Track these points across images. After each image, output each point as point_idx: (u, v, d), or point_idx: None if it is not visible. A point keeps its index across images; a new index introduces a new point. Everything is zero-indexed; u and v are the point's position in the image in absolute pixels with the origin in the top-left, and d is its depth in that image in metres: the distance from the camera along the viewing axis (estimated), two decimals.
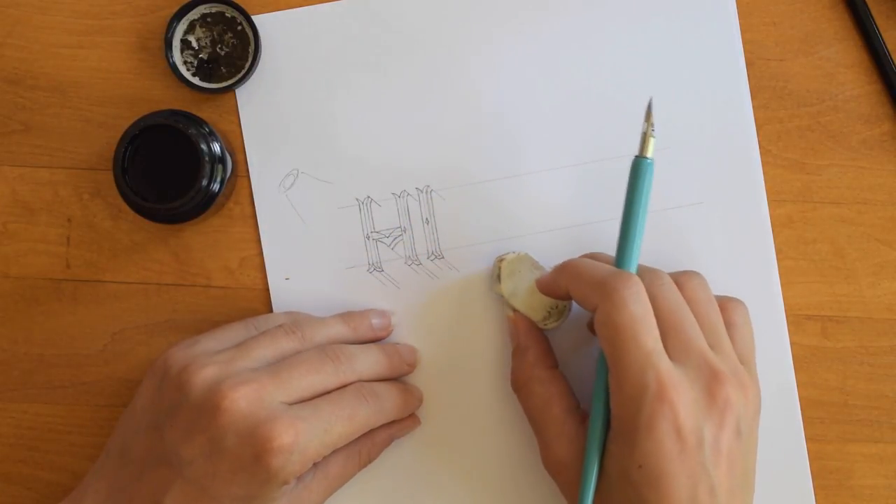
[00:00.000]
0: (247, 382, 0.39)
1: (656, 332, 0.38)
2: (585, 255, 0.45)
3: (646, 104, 0.42)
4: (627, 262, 0.41)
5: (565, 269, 0.42)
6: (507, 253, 0.46)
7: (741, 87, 0.48)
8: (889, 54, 0.48)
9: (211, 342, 0.42)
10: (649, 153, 0.41)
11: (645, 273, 0.41)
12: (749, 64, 0.48)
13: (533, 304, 0.45)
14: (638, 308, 0.38)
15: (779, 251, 0.48)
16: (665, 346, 0.38)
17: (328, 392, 0.41)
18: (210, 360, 0.40)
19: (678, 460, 0.36)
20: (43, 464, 0.47)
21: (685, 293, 0.41)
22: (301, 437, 0.38)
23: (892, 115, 0.48)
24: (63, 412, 0.47)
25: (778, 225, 0.48)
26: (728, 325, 0.41)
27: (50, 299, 0.47)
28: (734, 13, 0.48)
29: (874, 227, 0.48)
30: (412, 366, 0.47)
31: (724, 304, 0.42)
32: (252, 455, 0.38)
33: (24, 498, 0.47)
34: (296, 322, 0.44)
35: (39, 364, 0.47)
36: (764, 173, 0.48)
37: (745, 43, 0.48)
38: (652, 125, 0.41)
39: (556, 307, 0.45)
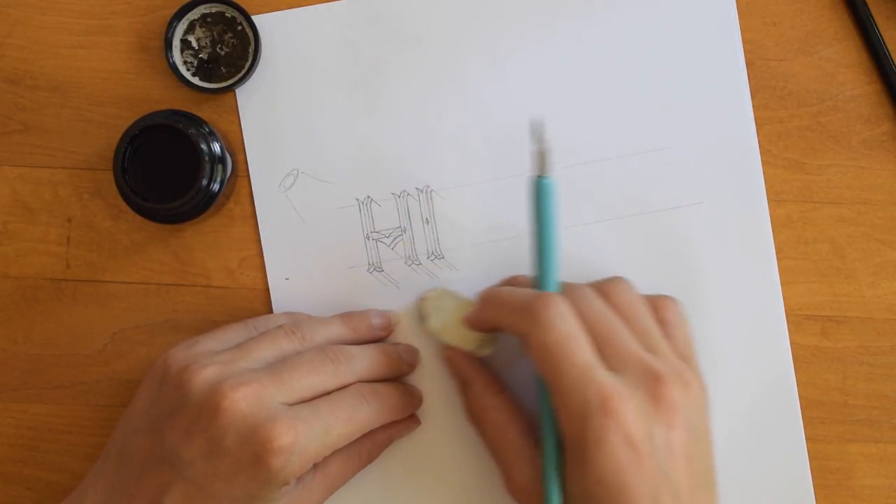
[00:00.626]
0: (247, 383, 0.39)
1: (589, 346, 0.38)
2: (504, 281, 0.45)
3: (532, 126, 0.41)
4: (546, 282, 0.41)
5: (489, 300, 0.42)
6: (429, 290, 0.46)
7: (741, 87, 0.48)
8: (889, 54, 0.48)
9: (211, 343, 0.42)
10: (548, 172, 0.40)
11: (567, 289, 0.40)
12: (749, 64, 0.48)
13: (464, 336, 0.45)
14: (566, 326, 0.38)
15: (779, 251, 0.48)
16: (601, 358, 0.38)
17: (328, 393, 0.41)
18: (210, 360, 0.40)
19: (635, 469, 0.36)
20: (43, 464, 0.47)
21: (612, 300, 0.40)
22: (301, 438, 0.38)
23: (892, 115, 0.48)
24: (63, 412, 0.47)
25: (778, 225, 0.48)
26: (662, 323, 0.41)
27: (50, 299, 0.47)
28: (734, 13, 0.48)
29: (874, 227, 0.48)
30: (412, 366, 0.47)
31: (656, 302, 0.42)
32: (252, 455, 0.38)
33: (24, 498, 0.47)
34: (296, 323, 0.44)
35: (39, 364, 0.47)
36: (764, 173, 0.48)
37: (745, 43, 0.48)
38: (545, 143, 0.40)
39: (487, 334, 0.45)
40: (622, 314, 0.40)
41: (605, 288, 0.41)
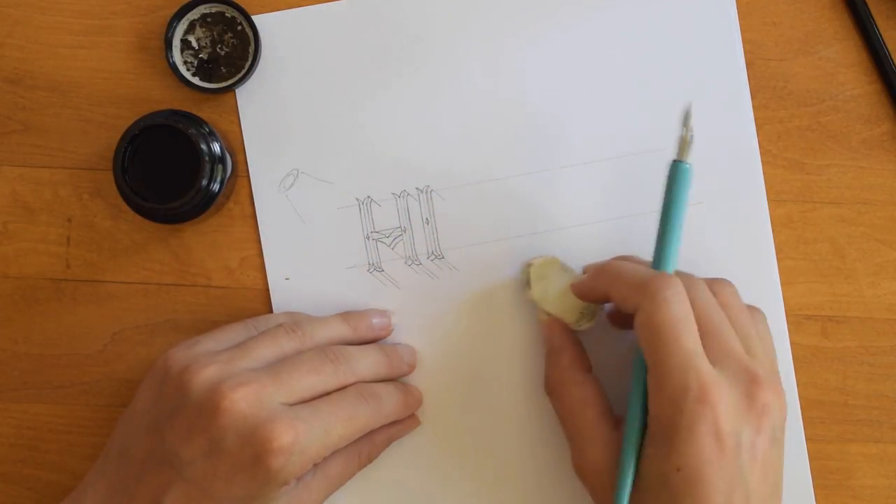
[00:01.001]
0: (247, 383, 0.39)
1: (697, 335, 0.38)
2: (618, 258, 0.45)
3: (684, 110, 0.41)
4: (666, 264, 0.41)
5: (604, 271, 0.42)
6: (535, 257, 0.46)
7: (741, 87, 0.48)
8: (889, 54, 0.48)
9: (211, 343, 0.42)
10: (688, 157, 0.41)
11: (682, 277, 0.41)
12: (749, 64, 0.48)
13: (565, 307, 0.45)
14: (680, 309, 0.38)
15: (779, 251, 0.48)
16: (704, 349, 0.38)
17: (328, 393, 0.41)
18: (210, 360, 0.40)
19: (717, 464, 0.36)
20: (43, 464, 0.47)
21: (720, 299, 0.41)
22: (301, 438, 0.38)
23: (892, 115, 0.48)
24: (63, 412, 0.47)
25: (778, 225, 0.48)
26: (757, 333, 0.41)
27: (50, 299, 0.47)
28: (734, 13, 0.48)
29: (874, 227, 0.48)
30: (412, 366, 0.47)
31: (752, 313, 0.42)
32: (252, 456, 0.38)
33: (24, 498, 0.47)
34: (296, 321, 0.44)
35: (39, 364, 0.47)
36: (764, 173, 0.48)
37: (745, 43, 0.48)
38: (691, 130, 0.41)
39: (588, 308, 0.45)
40: (728, 314, 0.40)
41: (714, 286, 0.41)
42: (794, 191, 0.48)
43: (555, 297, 0.45)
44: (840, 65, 0.48)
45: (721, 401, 0.37)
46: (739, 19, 0.48)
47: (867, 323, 0.48)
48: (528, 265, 0.46)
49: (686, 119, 0.41)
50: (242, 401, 0.38)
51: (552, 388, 0.44)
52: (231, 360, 0.40)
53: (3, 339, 0.47)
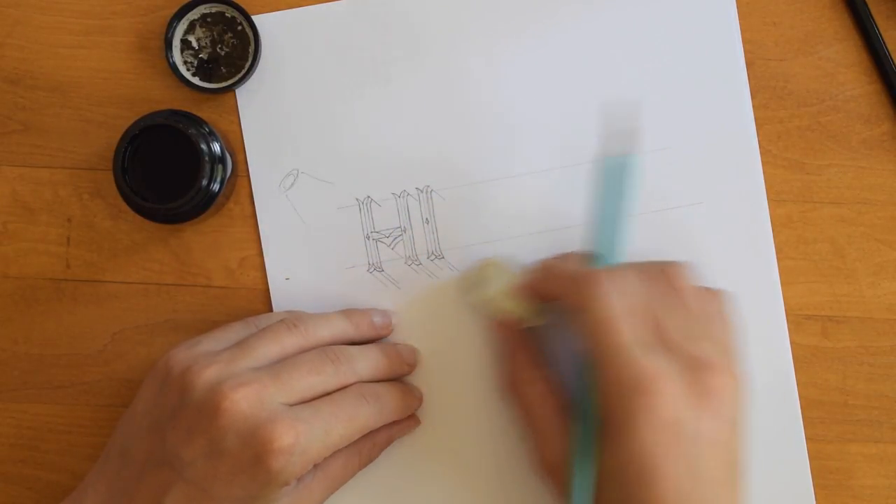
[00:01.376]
0: (247, 384, 0.39)
1: (637, 327, 0.38)
2: (556, 256, 0.45)
3: (608, 108, 0.42)
4: (602, 259, 0.41)
5: (544, 270, 0.42)
6: (483, 259, 0.46)
7: (741, 87, 0.48)
8: (889, 54, 0.48)
9: (212, 342, 0.42)
10: (615, 152, 0.42)
11: (622, 269, 0.41)
12: (749, 64, 0.48)
13: (514, 306, 0.45)
14: (616, 304, 0.38)
15: (779, 251, 0.48)
16: (648, 339, 0.38)
17: (329, 393, 0.41)
18: (211, 360, 0.40)
19: (669, 453, 0.36)
20: (43, 464, 0.47)
21: (671, 283, 0.40)
22: (302, 439, 0.38)
23: (892, 115, 0.48)
24: (63, 412, 0.47)
25: (778, 225, 0.48)
26: (711, 315, 0.41)
27: (50, 299, 0.47)
28: (734, 13, 0.48)
29: (874, 227, 0.48)
30: (412, 366, 0.47)
31: (708, 294, 0.42)
32: (252, 456, 0.38)
33: (24, 498, 0.47)
34: (298, 317, 0.44)
35: (39, 364, 0.47)
36: (764, 173, 0.48)
37: (745, 43, 0.48)
38: (635, 125, 0.42)
39: (538, 306, 0.45)
40: (676, 298, 0.40)
41: (663, 269, 0.41)
42: (794, 191, 0.48)
43: (504, 295, 0.45)
44: (840, 65, 0.48)
45: (665, 390, 0.37)
46: (739, 19, 0.48)
47: (867, 323, 0.48)
48: (477, 266, 0.46)
49: (607, 116, 0.42)
50: (243, 401, 0.38)
51: (508, 390, 0.45)
52: (232, 359, 0.40)
53: (3, 339, 0.47)
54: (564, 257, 0.45)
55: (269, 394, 0.39)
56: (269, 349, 0.41)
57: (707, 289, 0.42)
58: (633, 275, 0.40)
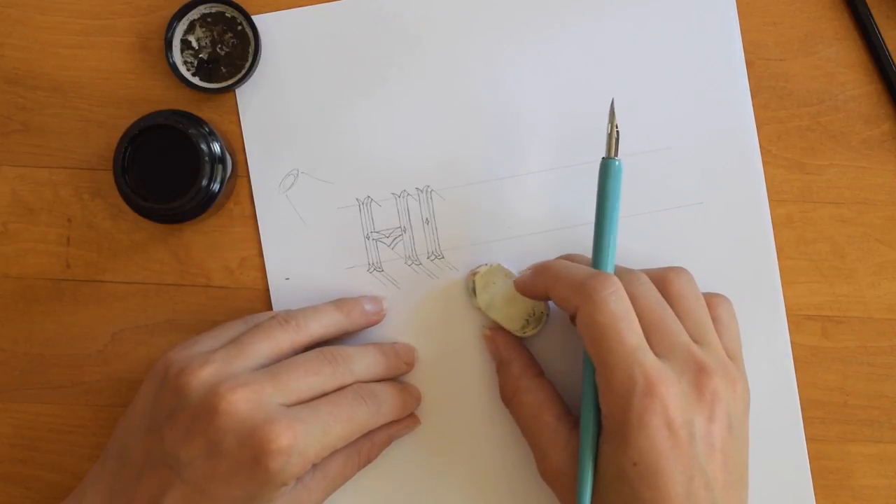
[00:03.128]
0: (245, 384, 0.39)
1: (639, 330, 0.38)
2: (562, 257, 0.45)
3: (608, 105, 0.42)
4: (604, 262, 0.41)
5: (544, 271, 0.42)
6: (480, 266, 0.46)
7: (741, 87, 0.48)
8: (889, 54, 0.48)
9: (210, 342, 0.42)
10: (616, 154, 0.42)
11: (622, 273, 0.41)
12: (749, 64, 0.48)
13: (510, 314, 0.45)
14: (618, 307, 0.38)
15: (779, 251, 0.48)
16: (649, 343, 0.38)
17: (327, 393, 0.41)
18: (207, 360, 0.40)
19: (672, 455, 0.36)
20: (43, 464, 0.47)
21: (670, 289, 0.41)
22: (300, 439, 0.38)
23: (892, 115, 0.48)
24: (63, 412, 0.47)
25: (778, 225, 0.48)
26: (714, 320, 0.42)
27: (50, 299, 0.47)
28: (734, 13, 0.48)
29: (874, 227, 0.48)
30: (410, 365, 0.47)
31: (709, 300, 0.42)
32: (251, 457, 0.38)
33: (24, 498, 0.47)
34: (289, 312, 0.43)
35: (39, 364, 0.47)
36: (764, 173, 0.48)
37: (745, 43, 0.48)
38: (616, 126, 0.42)
39: (534, 314, 0.45)
40: (676, 304, 0.40)
41: (666, 276, 0.41)
42: (794, 191, 0.48)
43: (501, 304, 0.45)
44: (840, 65, 0.48)
45: (668, 392, 0.37)
46: (739, 19, 0.48)
47: (867, 323, 0.48)
48: (473, 273, 0.46)
49: (611, 115, 0.42)
50: (241, 402, 0.38)
51: (507, 399, 0.45)
52: (228, 359, 0.40)
53: (3, 339, 0.47)
54: (568, 258, 0.45)
55: (266, 395, 0.39)
56: (262, 346, 0.41)
57: (709, 293, 0.43)
58: (635, 278, 0.40)
